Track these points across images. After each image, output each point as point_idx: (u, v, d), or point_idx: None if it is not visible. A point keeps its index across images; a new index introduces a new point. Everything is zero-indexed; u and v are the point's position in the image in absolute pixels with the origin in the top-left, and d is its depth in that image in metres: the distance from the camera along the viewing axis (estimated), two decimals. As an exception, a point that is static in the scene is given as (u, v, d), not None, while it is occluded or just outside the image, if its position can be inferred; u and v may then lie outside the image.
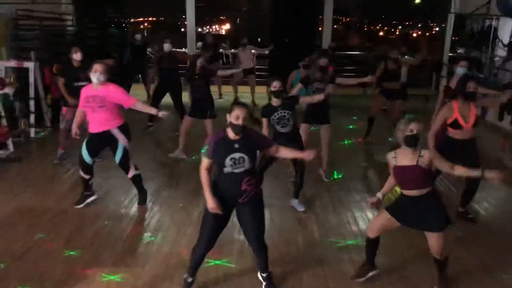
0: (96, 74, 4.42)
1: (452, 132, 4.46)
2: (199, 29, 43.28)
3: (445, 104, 4.78)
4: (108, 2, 10.32)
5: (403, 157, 3.27)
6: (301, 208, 4.88)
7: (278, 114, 4.57)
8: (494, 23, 8.86)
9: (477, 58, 9.49)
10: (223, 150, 3.14)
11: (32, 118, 7.03)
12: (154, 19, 44.13)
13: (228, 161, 3.12)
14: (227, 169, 3.15)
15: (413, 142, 3.20)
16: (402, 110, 6.98)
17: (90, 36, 9.72)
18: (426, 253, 3.49)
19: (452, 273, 3.60)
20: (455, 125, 4.37)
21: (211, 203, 3.16)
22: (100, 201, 4.98)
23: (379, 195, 3.52)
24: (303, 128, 5.47)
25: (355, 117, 8.87)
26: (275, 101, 4.59)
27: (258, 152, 3.29)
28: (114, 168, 5.07)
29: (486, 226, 4.68)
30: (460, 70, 5.74)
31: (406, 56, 8.29)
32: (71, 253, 3.93)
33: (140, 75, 9.82)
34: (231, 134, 3.17)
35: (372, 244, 3.55)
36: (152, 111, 4.73)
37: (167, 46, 7.53)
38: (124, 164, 4.74)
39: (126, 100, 4.56)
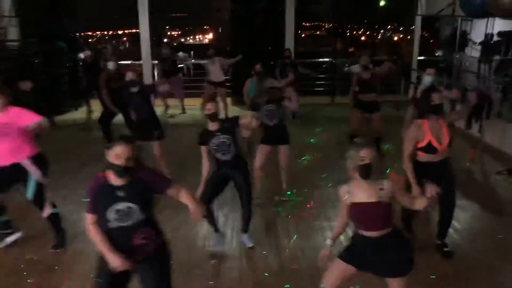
0: None
1: (423, 157, 3.72)
2: (182, 39, 42.95)
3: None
4: (60, 13, 9.63)
5: (359, 192, 2.66)
6: (249, 244, 4.22)
7: (216, 140, 3.94)
8: (460, 24, 8.35)
9: (447, 61, 8.97)
10: (104, 200, 2.51)
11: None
12: (134, 31, 43.48)
13: (111, 214, 2.48)
14: (112, 224, 2.50)
15: (366, 172, 2.61)
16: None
17: (34, 51, 9.00)
18: None
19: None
20: (429, 149, 3.64)
21: (114, 260, 2.49)
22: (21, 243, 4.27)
23: (329, 242, 2.90)
24: (261, 150, 5.01)
25: (318, 129, 8.24)
26: (211, 125, 3.97)
27: (153, 195, 2.63)
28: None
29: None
30: (427, 79, 5.18)
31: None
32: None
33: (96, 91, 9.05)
34: (113, 178, 2.51)
35: None
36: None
37: (111, 65, 6.92)
38: (38, 201, 4.07)
39: (32, 118, 3.87)
